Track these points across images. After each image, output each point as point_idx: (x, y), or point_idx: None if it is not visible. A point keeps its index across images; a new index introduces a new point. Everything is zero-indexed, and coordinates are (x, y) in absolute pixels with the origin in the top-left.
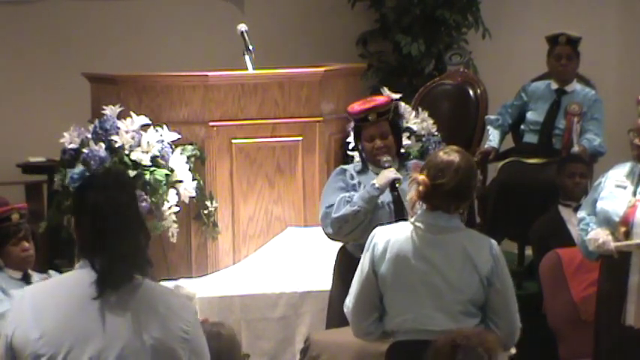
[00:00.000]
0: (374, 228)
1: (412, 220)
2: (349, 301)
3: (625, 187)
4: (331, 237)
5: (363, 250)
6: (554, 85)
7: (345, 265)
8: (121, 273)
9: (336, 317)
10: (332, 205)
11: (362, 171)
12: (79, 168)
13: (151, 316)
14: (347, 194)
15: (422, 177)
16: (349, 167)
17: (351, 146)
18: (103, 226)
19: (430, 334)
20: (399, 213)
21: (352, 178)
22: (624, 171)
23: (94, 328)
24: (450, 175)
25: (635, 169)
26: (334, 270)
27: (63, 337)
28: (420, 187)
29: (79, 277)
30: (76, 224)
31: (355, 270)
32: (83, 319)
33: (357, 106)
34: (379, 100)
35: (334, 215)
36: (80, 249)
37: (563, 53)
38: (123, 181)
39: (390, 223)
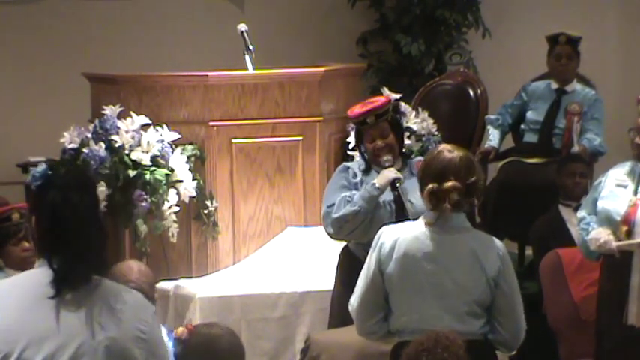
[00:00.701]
0: (375, 227)
1: (420, 219)
2: (354, 300)
3: (626, 187)
4: (332, 237)
5: (365, 250)
6: (554, 85)
7: (348, 264)
8: (78, 273)
9: (338, 317)
10: (333, 205)
11: (366, 171)
12: (42, 167)
13: (107, 316)
14: (348, 193)
15: (450, 184)
16: (353, 165)
17: (351, 146)
18: (60, 225)
19: None
20: (400, 212)
21: (355, 176)
22: (624, 170)
23: (49, 327)
24: (476, 171)
25: (636, 168)
26: (337, 269)
27: (18, 335)
28: (455, 195)
29: (37, 276)
30: (35, 223)
31: (357, 270)
32: (39, 318)
33: (356, 110)
34: (377, 102)
35: (334, 215)
36: (39, 248)
37: (563, 53)
38: (83, 181)
39: (391, 222)
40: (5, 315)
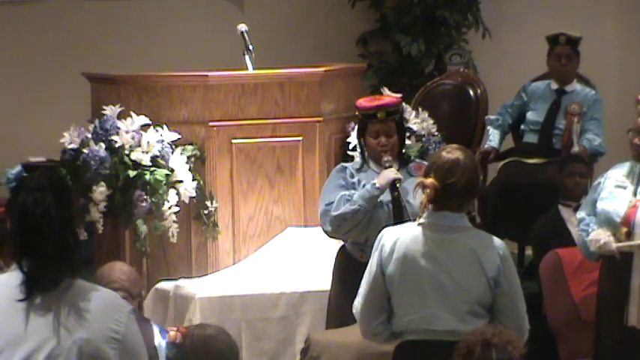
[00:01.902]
0: (373, 227)
1: (420, 220)
2: (358, 303)
3: (625, 187)
4: (330, 234)
5: (361, 250)
6: (554, 85)
7: (344, 265)
8: (48, 275)
9: (335, 317)
10: (331, 203)
11: (361, 168)
12: (17, 168)
13: (78, 317)
14: (347, 192)
15: (430, 180)
16: (349, 165)
17: (351, 146)
18: (30, 227)
19: (437, 334)
20: (399, 213)
21: (352, 176)
22: (624, 171)
23: (21, 330)
24: (459, 174)
25: (635, 168)
26: (333, 270)
27: None
28: (429, 190)
29: (10, 279)
30: (10, 225)
31: (354, 270)
32: (11, 322)
33: (366, 102)
34: (389, 98)
35: (334, 213)
36: (13, 250)
37: (563, 53)
38: (56, 182)
39: (389, 222)
40: None
